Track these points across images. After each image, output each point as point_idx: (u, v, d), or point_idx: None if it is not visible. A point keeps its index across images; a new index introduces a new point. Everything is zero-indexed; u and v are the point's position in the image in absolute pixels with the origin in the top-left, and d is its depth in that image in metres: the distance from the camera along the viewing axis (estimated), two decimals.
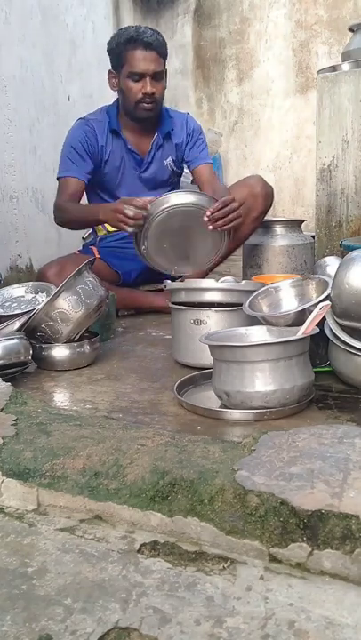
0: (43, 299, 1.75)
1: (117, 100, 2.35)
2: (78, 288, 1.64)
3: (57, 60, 3.33)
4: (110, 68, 2.28)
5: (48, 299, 1.63)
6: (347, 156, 2.16)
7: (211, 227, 1.97)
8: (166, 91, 2.32)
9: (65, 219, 2.28)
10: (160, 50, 2.20)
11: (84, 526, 0.87)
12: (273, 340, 1.32)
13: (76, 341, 1.67)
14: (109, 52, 2.27)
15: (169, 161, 2.41)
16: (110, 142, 2.32)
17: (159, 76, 2.22)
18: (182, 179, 2.65)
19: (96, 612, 0.69)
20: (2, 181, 2.86)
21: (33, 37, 3.13)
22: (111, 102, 2.39)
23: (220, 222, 1.97)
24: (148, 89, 2.20)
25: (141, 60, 2.17)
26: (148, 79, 2.19)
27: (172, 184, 2.49)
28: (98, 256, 2.25)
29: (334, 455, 0.87)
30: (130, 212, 1.93)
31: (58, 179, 2.32)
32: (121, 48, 2.21)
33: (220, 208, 1.96)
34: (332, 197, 2.22)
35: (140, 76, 2.20)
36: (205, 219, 1.95)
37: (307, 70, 4.70)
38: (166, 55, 2.25)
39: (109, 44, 2.26)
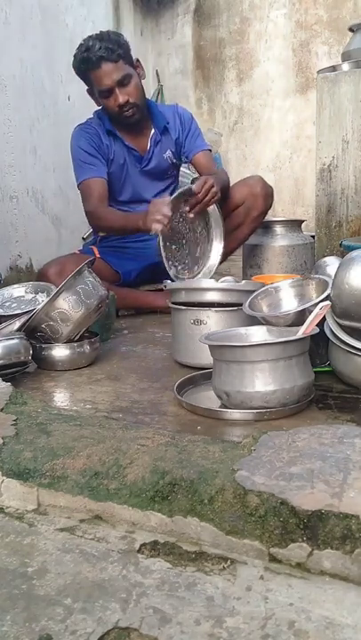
0: (43, 299, 1.75)
1: None
2: (78, 288, 1.64)
3: (57, 60, 3.32)
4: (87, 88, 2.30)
5: (48, 299, 1.62)
6: (347, 156, 2.16)
7: (192, 214, 2.13)
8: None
9: (103, 226, 2.32)
10: (113, 57, 2.14)
11: (84, 526, 0.87)
12: (273, 340, 1.32)
13: (76, 341, 1.67)
14: (78, 75, 2.27)
15: (168, 154, 2.42)
16: (112, 142, 2.34)
17: (126, 81, 2.19)
18: (181, 178, 2.65)
19: (96, 612, 0.69)
20: (2, 181, 2.86)
21: (33, 37, 3.13)
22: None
23: (202, 203, 2.11)
24: (120, 100, 2.19)
25: (101, 77, 2.16)
26: (116, 90, 2.18)
27: (172, 176, 2.51)
28: (98, 256, 2.26)
29: (334, 455, 0.87)
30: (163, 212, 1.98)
31: (79, 185, 2.31)
32: (82, 70, 2.21)
33: (199, 191, 2.10)
34: (332, 197, 2.22)
35: (108, 92, 2.19)
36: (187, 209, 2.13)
37: (307, 70, 4.70)
38: (124, 54, 2.19)
39: (73, 67, 2.25)
